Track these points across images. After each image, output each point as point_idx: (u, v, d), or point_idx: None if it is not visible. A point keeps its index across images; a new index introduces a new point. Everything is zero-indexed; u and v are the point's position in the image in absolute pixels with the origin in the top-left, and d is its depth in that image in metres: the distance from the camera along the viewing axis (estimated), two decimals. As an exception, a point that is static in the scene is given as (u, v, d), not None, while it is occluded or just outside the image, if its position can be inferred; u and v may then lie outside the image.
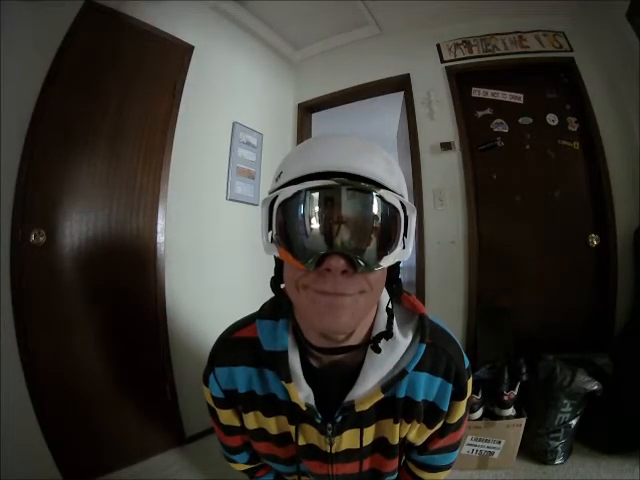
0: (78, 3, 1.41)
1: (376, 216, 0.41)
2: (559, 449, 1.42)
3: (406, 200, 0.45)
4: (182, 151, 1.74)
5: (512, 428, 1.40)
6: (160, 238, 1.63)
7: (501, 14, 2.01)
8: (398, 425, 0.53)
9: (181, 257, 1.72)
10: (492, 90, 2.02)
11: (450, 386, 0.53)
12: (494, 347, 1.73)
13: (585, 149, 1.87)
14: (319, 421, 0.51)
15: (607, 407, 1.42)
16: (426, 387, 0.53)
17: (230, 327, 0.60)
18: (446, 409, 0.54)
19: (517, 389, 1.43)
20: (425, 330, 0.50)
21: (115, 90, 1.53)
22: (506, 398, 1.41)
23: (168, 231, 1.66)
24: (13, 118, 1.24)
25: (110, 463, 1.43)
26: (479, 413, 1.43)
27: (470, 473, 1.42)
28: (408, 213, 0.45)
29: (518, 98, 1.99)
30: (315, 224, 0.41)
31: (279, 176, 0.45)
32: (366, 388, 0.50)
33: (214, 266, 1.88)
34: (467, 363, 0.55)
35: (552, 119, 1.93)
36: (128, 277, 1.56)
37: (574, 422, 1.41)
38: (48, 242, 1.31)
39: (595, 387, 1.37)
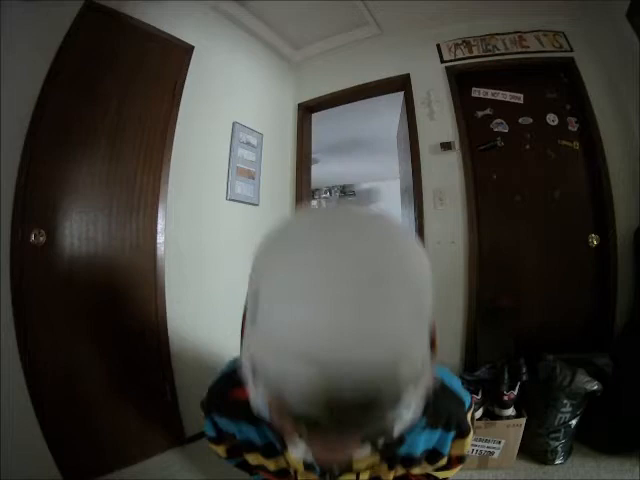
0: (78, 3, 1.41)
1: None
2: (559, 449, 1.41)
3: (429, 360, 0.32)
4: (182, 151, 1.74)
5: (512, 428, 1.40)
6: (160, 238, 1.63)
7: (501, 14, 2.01)
8: (393, 471, 0.55)
9: (181, 257, 1.72)
10: (492, 90, 2.02)
11: (451, 434, 0.52)
12: (494, 347, 1.73)
13: (585, 149, 1.87)
14: (317, 474, 0.53)
15: (607, 407, 1.42)
16: (426, 441, 0.52)
17: (224, 381, 0.55)
18: (447, 452, 0.55)
19: (517, 389, 1.43)
20: (427, 410, 0.37)
21: (115, 90, 1.53)
22: (506, 398, 1.41)
23: (168, 231, 1.66)
24: (13, 118, 1.24)
25: (110, 463, 1.43)
26: (479, 413, 1.43)
27: (470, 473, 1.42)
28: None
29: (518, 98, 1.99)
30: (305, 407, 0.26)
31: (255, 314, 0.30)
32: (364, 453, 0.47)
33: (214, 266, 1.88)
34: (467, 402, 0.53)
35: (552, 119, 1.93)
36: (128, 277, 1.55)
37: (574, 422, 1.41)
38: (48, 242, 1.31)
39: (595, 387, 1.36)
